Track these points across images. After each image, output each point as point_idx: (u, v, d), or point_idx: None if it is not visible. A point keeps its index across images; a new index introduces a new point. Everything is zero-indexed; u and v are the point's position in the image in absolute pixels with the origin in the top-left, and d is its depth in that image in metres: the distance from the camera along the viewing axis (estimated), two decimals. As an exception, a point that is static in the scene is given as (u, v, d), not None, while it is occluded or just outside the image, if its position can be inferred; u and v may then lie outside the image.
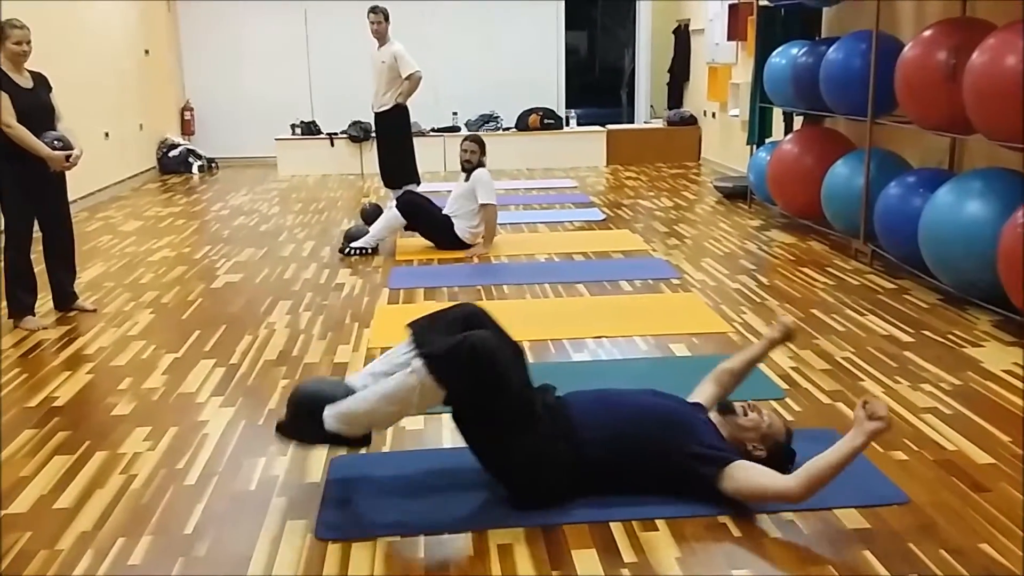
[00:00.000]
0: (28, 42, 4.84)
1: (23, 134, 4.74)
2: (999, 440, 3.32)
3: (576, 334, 4.64)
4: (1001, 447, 3.26)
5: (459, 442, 3.34)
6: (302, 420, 2.88)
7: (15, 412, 3.78)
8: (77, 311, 5.21)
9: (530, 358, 4.30)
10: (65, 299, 5.22)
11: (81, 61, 8.90)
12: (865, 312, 4.93)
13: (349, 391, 2.90)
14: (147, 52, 11.05)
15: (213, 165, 11.82)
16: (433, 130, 11.54)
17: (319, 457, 3.28)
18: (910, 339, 4.48)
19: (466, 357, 2.67)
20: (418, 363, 2.72)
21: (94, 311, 5.23)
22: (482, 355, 2.66)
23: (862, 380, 3.93)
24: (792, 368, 4.09)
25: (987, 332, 4.55)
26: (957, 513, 2.80)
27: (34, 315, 4.98)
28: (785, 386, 3.87)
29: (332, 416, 2.83)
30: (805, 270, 5.89)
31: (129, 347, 4.60)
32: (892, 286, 5.44)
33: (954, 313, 4.88)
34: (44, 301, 5.22)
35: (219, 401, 3.86)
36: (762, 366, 4.07)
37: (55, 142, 4.86)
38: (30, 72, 4.93)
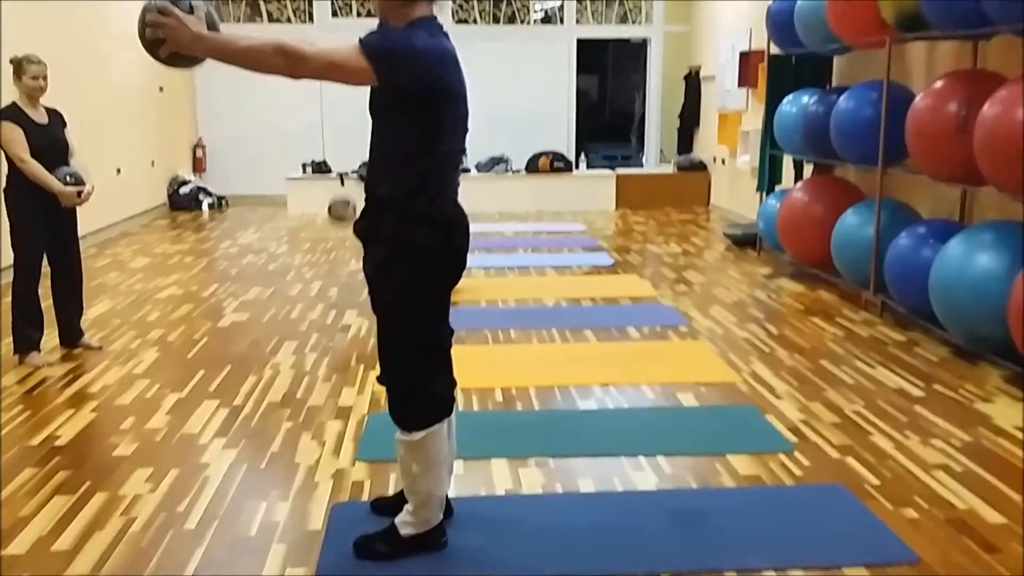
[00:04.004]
0: (44, 77, 4.88)
1: (36, 169, 4.77)
2: (1011, 499, 3.26)
3: (583, 381, 4.61)
4: (1013, 506, 3.20)
5: (461, 492, 3.31)
6: None
7: (16, 450, 3.75)
8: (83, 348, 5.20)
9: (536, 405, 4.28)
10: (71, 336, 5.21)
11: (97, 97, 8.99)
12: (875, 364, 4.89)
13: None
14: (161, 89, 11.15)
15: (223, 203, 11.88)
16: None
17: (320, 503, 3.25)
18: (920, 393, 4.43)
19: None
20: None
21: (100, 348, 5.21)
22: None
23: (872, 434, 3.89)
24: (801, 421, 4.05)
25: (998, 387, 4.50)
26: (968, 574, 2.75)
27: (39, 351, 4.97)
28: (794, 439, 3.83)
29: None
30: (814, 320, 5.86)
31: (133, 386, 4.58)
32: (902, 338, 5.40)
33: (965, 367, 4.83)
34: (50, 337, 5.21)
35: (222, 443, 3.83)
36: (771, 418, 4.05)
37: (67, 178, 4.88)
38: (45, 108, 4.97)
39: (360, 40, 2.54)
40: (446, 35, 2.71)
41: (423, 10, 2.70)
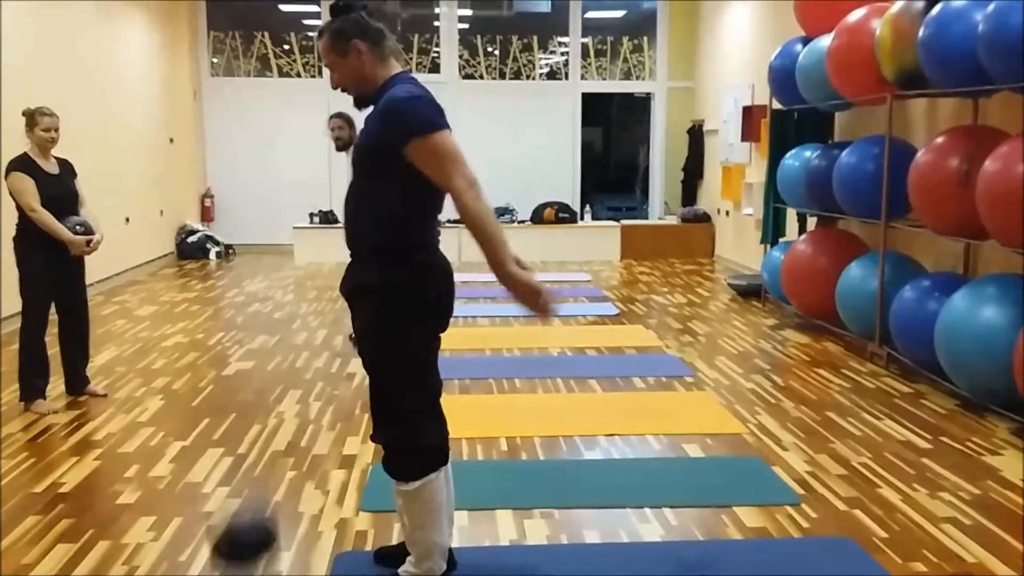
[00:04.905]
0: (56, 129, 4.95)
1: (46, 219, 4.82)
2: (1020, 552, 3.23)
3: (588, 431, 4.60)
4: (1022, 560, 3.17)
5: (465, 543, 3.29)
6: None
7: (20, 498, 3.74)
8: (88, 395, 5.20)
9: (541, 455, 4.27)
10: (77, 383, 5.22)
11: (107, 148, 9.09)
12: (882, 416, 4.88)
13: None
14: (172, 140, 11.29)
15: (230, 251, 11.95)
16: (449, 221, 11.64)
17: (324, 553, 3.23)
18: (928, 445, 4.41)
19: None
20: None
21: (105, 396, 5.22)
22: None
23: (879, 487, 3.86)
24: (808, 473, 4.02)
25: (1006, 440, 4.48)
26: (979, 630, 2.72)
27: (45, 398, 4.98)
28: (801, 491, 3.80)
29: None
30: (820, 371, 5.85)
31: (138, 434, 4.58)
32: (908, 390, 5.39)
33: (972, 419, 4.81)
34: (56, 384, 5.22)
35: (225, 492, 3.82)
36: (777, 470, 4.03)
37: (77, 227, 4.93)
38: (56, 158, 5.03)
39: (420, 132, 2.64)
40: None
41: (397, 67, 2.81)
